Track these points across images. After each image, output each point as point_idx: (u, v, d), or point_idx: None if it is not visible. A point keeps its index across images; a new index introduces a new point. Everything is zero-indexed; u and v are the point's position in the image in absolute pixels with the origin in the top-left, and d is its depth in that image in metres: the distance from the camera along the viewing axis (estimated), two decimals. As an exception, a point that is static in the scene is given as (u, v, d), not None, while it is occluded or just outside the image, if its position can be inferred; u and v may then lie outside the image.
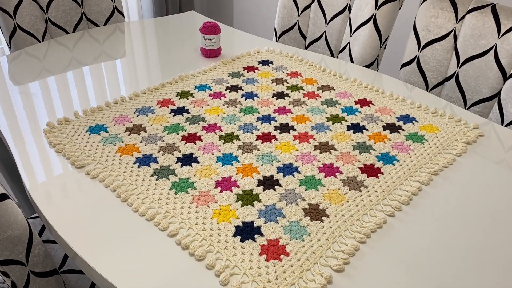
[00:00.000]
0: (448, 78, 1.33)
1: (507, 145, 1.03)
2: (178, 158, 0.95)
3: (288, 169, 0.92)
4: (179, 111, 1.12)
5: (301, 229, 0.78)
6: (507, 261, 0.74)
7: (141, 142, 1.00)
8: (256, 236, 0.76)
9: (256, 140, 1.01)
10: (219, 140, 1.01)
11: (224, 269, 0.70)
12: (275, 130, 1.05)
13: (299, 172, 0.91)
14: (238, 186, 0.87)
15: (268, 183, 0.88)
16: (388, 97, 1.20)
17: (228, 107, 1.14)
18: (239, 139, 1.01)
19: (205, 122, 1.08)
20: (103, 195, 0.85)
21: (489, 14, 1.21)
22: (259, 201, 0.84)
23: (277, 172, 0.91)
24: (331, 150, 0.98)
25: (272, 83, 1.27)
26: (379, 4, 1.38)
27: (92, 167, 0.91)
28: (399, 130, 1.06)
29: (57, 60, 1.37)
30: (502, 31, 1.19)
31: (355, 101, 1.18)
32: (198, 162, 0.94)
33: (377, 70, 1.50)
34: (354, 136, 1.04)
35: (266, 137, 1.02)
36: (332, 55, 1.58)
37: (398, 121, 1.10)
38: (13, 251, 0.75)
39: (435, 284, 0.69)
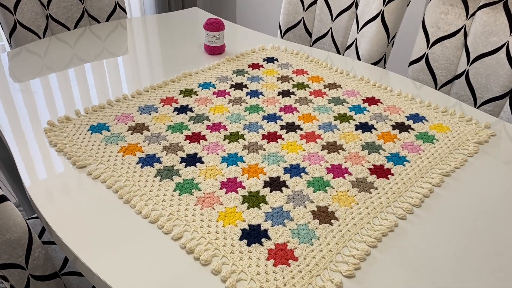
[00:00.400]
0: (457, 76, 1.29)
1: (520, 145, 1.00)
2: (182, 158, 0.92)
3: (295, 170, 0.89)
4: (183, 109, 1.09)
5: (309, 232, 0.75)
6: (524, 267, 0.71)
7: (144, 141, 0.97)
8: (263, 239, 0.73)
9: (262, 139, 0.99)
10: (224, 139, 0.98)
11: (230, 274, 0.67)
12: (281, 129, 1.02)
13: (306, 173, 0.89)
14: (244, 188, 0.84)
15: (275, 184, 0.86)
16: (396, 96, 1.18)
17: (232, 105, 1.11)
18: (244, 139, 0.99)
19: (209, 121, 1.05)
20: (105, 196, 0.82)
21: (501, 10, 1.18)
22: (266, 203, 0.81)
23: (284, 173, 0.88)
24: (339, 150, 0.96)
25: (277, 81, 1.24)
26: (386, 0, 1.35)
27: (93, 167, 0.89)
28: (409, 130, 1.03)
29: (58, 57, 1.35)
30: (514, 28, 1.16)
31: (363, 99, 1.15)
32: (202, 163, 0.91)
33: (384, 68, 1.47)
34: (363, 136, 1.01)
35: (272, 137, 1.00)
36: (338, 52, 1.55)
37: (407, 120, 1.07)
38: (12, 254, 0.73)
39: (450, 291, 0.67)
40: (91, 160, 0.91)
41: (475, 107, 1.28)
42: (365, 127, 1.04)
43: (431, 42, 1.31)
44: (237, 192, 0.83)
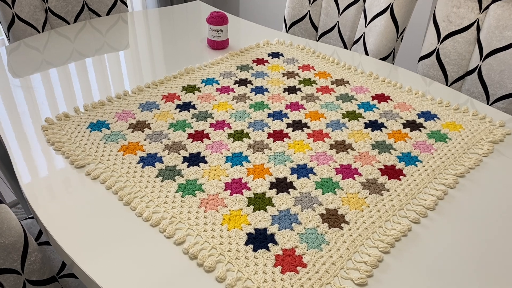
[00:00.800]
0: (469, 72, 1.25)
1: (537, 145, 0.96)
2: (184, 157, 0.89)
3: (302, 170, 0.86)
4: (185, 106, 1.05)
5: (318, 237, 0.71)
6: (546, 275, 0.67)
7: (145, 140, 0.93)
8: (270, 244, 0.70)
9: (268, 138, 0.95)
10: (228, 138, 0.95)
11: (236, 282, 0.64)
12: (287, 127, 0.99)
13: (314, 174, 0.85)
14: (249, 189, 0.81)
15: (282, 185, 0.82)
16: (406, 92, 1.13)
17: (237, 102, 1.08)
18: (249, 137, 0.95)
19: (212, 118, 1.01)
20: (105, 198, 0.79)
21: (516, 3, 1.13)
22: (272, 205, 0.77)
23: (291, 174, 0.85)
24: (348, 150, 0.92)
25: (283, 76, 1.20)
26: (396, -7, 1.30)
27: (92, 167, 0.85)
28: (420, 128, 0.99)
29: (57, 51, 1.31)
30: (530, 22, 1.11)
31: (372, 96, 1.11)
32: (206, 162, 0.87)
33: (393, 63, 1.43)
34: (373, 134, 0.97)
35: (278, 135, 0.96)
36: (345, 47, 1.51)
37: (418, 118, 1.03)
38: (7, 259, 0.70)
39: (468, 301, 0.63)
40: (90, 160, 0.87)
41: (487, 104, 1.23)
42: (374, 125, 1.00)
43: (442, 36, 1.26)
44: (242, 194, 0.80)
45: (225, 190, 0.81)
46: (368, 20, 1.39)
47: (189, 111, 1.04)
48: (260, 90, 1.13)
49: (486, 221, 0.76)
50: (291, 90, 1.13)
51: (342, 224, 0.74)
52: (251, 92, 1.12)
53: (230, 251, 0.69)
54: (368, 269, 0.66)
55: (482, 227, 0.75)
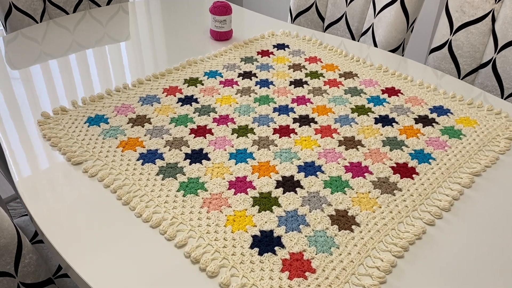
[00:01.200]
0: (483, 65, 1.20)
1: (556, 142, 0.91)
2: (186, 154, 0.85)
3: (310, 168, 0.82)
4: (187, 100, 1.01)
5: (328, 240, 0.68)
6: None
7: (145, 135, 0.89)
8: (276, 248, 0.66)
9: (273, 134, 0.91)
10: (232, 133, 0.90)
11: (240, 288, 0.60)
12: (294, 122, 0.94)
13: (322, 172, 0.81)
14: (254, 188, 0.77)
15: (288, 184, 0.78)
16: (418, 86, 1.09)
17: (241, 96, 1.03)
18: (254, 133, 0.91)
19: (216, 113, 0.97)
20: (102, 197, 0.75)
21: (534, -7, 1.08)
22: (279, 205, 0.73)
23: (298, 172, 0.81)
24: (358, 146, 0.88)
25: (289, 69, 1.15)
26: (407, -18, 1.25)
27: (90, 164, 0.82)
28: (433, 124, 0.95)
29: (56, 42, 1.27)
30: (548, 12, 1.06)
31: (382, 90, 1.07)
32: (209, 159, 0.83)
33: (403, 55, 1.38)
34: (383, 130, 0.92)
35: (284, 131, 0.91)
36: (353, 39, 1.46)
37: (431, 113, 0.98)
38: (-1, 262, 0.66)
39: (488, 310, 0.59)
40: (87, 156, 0.83)
41: (502, 98, 1.18)
42: (385, 121, 0.95)
43: (455, 27, 1.21)
44: (247, 193, 0.76)
45: (229, 189, 0.77)
46: (377, 11, 1.34)
47: (191, 105, 0.99)
48: (265, 83, 1.09)
49: (504, 222, 0.72)
50: (298, 83, 1.09)
51: (353, 226, 0.70)
52: (255, 85, 1.08)
53: (234, 255, 0.65)
54: (381, 275, 0.62)
55: (501, 228, 0.71)
